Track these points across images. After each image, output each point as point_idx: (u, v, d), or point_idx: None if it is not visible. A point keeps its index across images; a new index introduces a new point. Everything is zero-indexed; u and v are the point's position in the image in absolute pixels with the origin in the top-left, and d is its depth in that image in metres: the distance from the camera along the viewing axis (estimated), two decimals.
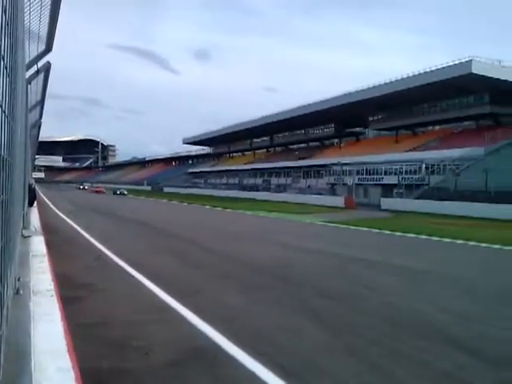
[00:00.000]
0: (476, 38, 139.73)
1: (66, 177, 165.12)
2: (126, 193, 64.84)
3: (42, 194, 46.51)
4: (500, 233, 19.04)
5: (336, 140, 72.71)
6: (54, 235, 13.81)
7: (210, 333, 5.20)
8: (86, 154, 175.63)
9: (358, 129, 68.82)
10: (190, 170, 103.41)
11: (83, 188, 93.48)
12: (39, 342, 3.72)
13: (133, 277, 8.40)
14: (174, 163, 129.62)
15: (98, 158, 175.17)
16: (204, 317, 5.77)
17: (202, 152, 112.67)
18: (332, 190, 50.55)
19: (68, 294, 6.30)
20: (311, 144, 77.68)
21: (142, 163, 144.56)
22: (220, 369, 4.25)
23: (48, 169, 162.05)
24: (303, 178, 61.75)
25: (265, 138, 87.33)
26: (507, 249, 14.35)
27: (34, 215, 18.23)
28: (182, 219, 26.01)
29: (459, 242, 15.88)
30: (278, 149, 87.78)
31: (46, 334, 3.98)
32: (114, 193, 64.27)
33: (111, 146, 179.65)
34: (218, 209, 35.18)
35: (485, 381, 4.21)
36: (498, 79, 41.76)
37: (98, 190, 74.57)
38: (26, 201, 13.87)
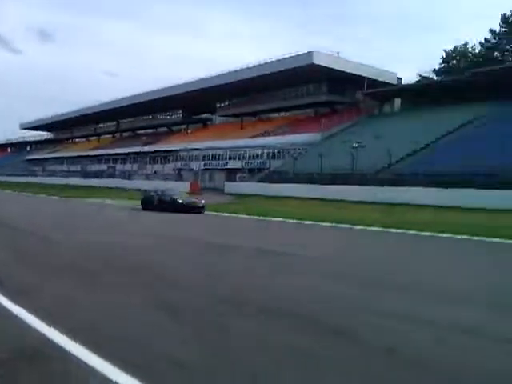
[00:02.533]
0: (318, 30, 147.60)
1: None
2: None
3: None
4: (322, 210, 19.99)
5: (184, 126, 72.02)
6: None
7: (45, 330, 4.17)
8: None
9: (205, 115, 68.76)
10: (28, 157, 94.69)
11: None
12: None
13: None
14: (9, 150, 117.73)
15: None
16: (37, 313, 4.62)
17: (42, 138, 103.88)
18: (179, 176, 49.84)
19: None
20: (159, 130, 75.95)
21: None
22: (56, 366, 3.44)
23: None
24: (150, 163, 60.07)
25: (110, 124, 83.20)
26: (324, 225, 15.96)
27: None
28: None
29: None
30: (124, 134, 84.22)
31: None
32: None
33: None
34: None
35: None
36: (335, 70, 44.36)
37: None
38: None
